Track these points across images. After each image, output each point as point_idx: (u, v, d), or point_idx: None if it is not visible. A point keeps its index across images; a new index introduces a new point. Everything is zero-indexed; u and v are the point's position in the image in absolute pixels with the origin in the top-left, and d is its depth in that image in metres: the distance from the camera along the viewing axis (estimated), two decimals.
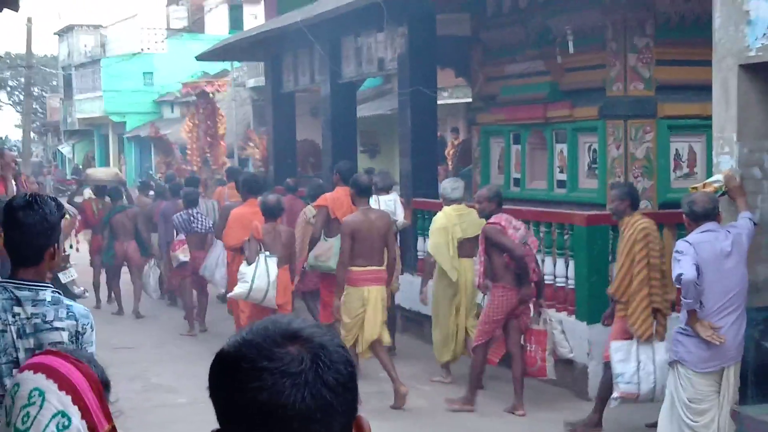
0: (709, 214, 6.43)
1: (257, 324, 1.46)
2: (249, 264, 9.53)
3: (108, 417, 2.38)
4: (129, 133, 42.78)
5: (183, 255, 12.66)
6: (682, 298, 6.36)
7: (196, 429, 8.22)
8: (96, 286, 14.70)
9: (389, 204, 10.63)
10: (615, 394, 7.76)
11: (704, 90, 8.10)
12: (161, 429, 8.40)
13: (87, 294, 13.04)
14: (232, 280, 10.60)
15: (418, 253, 11.89)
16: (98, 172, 18.45)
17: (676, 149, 10.28)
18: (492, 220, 8.60)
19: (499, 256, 8.53)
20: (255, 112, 26.59)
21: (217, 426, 1.45)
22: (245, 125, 27.58)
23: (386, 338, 9.18)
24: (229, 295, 10.34)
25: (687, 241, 6.39)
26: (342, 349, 1.45)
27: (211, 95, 19.71)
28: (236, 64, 27.99)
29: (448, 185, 9.60)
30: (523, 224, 8.89)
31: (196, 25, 38.94)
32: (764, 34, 6.77)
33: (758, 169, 7.11)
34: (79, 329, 3.43)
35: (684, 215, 6.63)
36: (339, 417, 1.42)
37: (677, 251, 6.36)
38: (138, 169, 42.78)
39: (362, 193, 9.14)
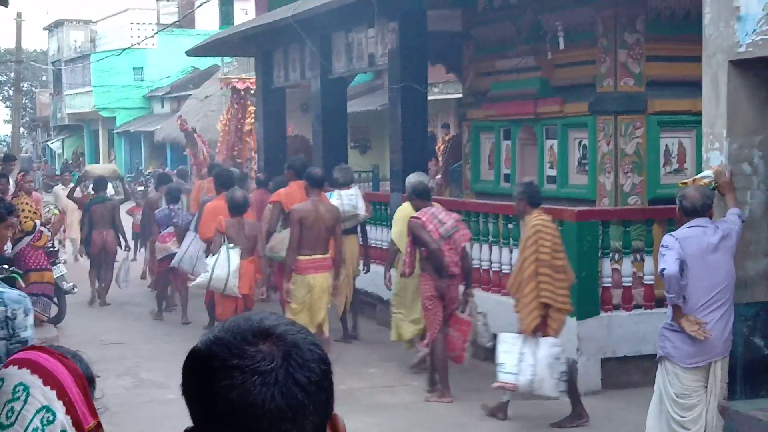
0: (698, 210, 6.41)
1: (230, 321, 1.44)
2: (213, 255, 10.03)
3: (93, 413, 2.36)
4: (119, 128, 42.70)
5: (174, 246, 12.88)
6: (665, 294, 6.35)
7: (186, 425, 8.17)
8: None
9: (351, 198, 11.02)
10: (494, 384, 8.00)
11: (694, 86, 8.11)
12: (152, 425, 8.38)
13: (76, 290, 13.03)
14: None
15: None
16: (97, 168, 18.94)
17: (666, 145, 10.29)
18: (416, 214, 8.98)
19: (421, 249, 8.90)
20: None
21: (191, 424, 1.44)
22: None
23: (326, 329, 9.65)
24: (191, 284, 10.83)
25: (673, 236, 6.40)
26: (316, 347, 1.43)
27: (242, 92, 19.59)
28: (226, 59, 27.95)
29: (413, 179, 9.87)
30: (454, 217, 9.07)
31: (186, 21, 38.85)
32: (754, 30, 6.78)
33: (748, 165, 7.12)
34: (9, 315, 3.48)
35: (677, 209, 6.64)
36: (312, 416, 1.39)
37: (663, 246, 6.35)
38: (128, 164, 42.71)
39: (314, 184, 9.73)
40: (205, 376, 1.39)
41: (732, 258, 6.44)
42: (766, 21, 6.68)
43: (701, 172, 7.24)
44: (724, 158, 7.07)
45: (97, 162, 40.78)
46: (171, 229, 13.07)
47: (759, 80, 7.13)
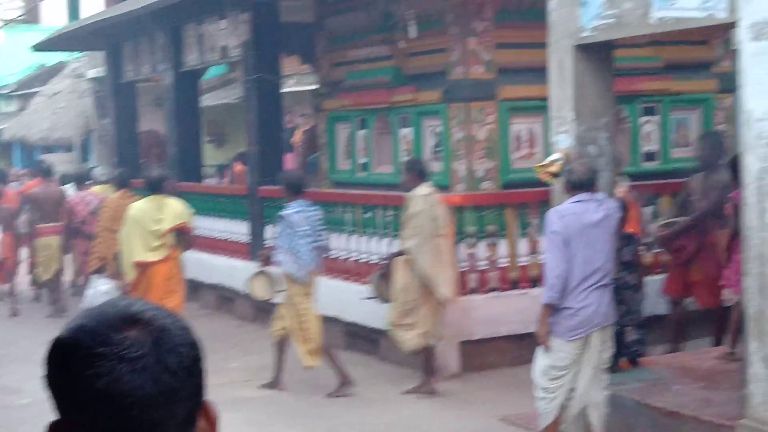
0: (584, 184, 6.42)
1: (95, 309, 1.39)
2: None
3: None
4: None
5: None
6: (545, 291, 6.36)
7: (41, 430, 7.93)
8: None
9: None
10: None
11: (543, 72, 8.25)
12: (5, 431, 8.09)
13: None
14: None
15: (265, 241, 11.80)
16: None
17: (517, 130, 10.49)
18: (70, 198, 13.36)
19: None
20: (96, 104, 25.86)
21: (56, 418, 1.37)
22: (84, 118, 26.80)
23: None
24: None
25: (558, 212, 6.36)
26: (185, 331, 1.38)
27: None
28: (76, 54, 27.17)
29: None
30: (100, 198, 12.57)
31: (31, 15, 37.63)
32: (597, 15, 6.97)
33: (594, 147, 7.32)
34: None
35: (564, 183, 6.61)
36: (183, 402, 1.35)
37: (551, 231, 6.32)
38: None
39: (45, 175, 14.21)
40: (70, 366, 1.33)
41: (611, 238, 6.49)
42: (609, 5, 6.88)
43: (550, 155, 7.40)
44: (572, 141, 7.25)
45: None
46: None
47: (603, 64, 7.35)
